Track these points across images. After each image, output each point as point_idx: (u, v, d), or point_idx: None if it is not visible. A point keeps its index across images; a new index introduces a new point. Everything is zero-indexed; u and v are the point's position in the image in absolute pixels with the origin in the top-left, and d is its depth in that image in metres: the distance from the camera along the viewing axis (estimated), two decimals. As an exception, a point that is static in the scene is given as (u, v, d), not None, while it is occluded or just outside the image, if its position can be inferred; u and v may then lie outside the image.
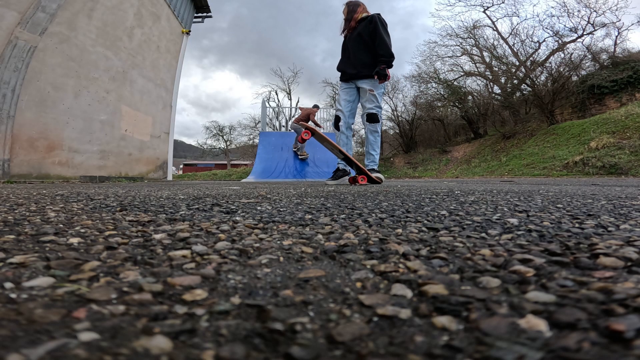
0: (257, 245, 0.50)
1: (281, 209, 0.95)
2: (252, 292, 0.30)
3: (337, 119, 3.28)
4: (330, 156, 7.82)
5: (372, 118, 3.10)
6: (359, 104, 3.28)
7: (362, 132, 16.24)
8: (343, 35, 3.32)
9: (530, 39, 17.35)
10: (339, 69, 3.35)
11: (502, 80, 16.90)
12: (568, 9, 16.30)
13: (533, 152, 11.68)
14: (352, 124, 3.35)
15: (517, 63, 16.26)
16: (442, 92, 17.88)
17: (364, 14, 3.20)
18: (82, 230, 0.60)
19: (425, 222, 0.71)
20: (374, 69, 3.01)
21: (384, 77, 2.94)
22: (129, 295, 0.29)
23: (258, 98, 29.07)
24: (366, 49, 3.09)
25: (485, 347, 0.20)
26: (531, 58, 15.96)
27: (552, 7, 24.86)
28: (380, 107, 3.13)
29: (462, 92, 17.21)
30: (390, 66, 2.98)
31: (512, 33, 16.90)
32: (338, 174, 3.22)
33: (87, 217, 0.78)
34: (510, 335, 0.21)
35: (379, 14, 3.12)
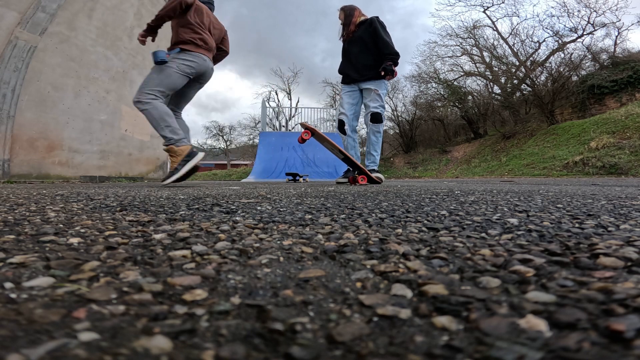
0: (257, 245, 0.50)
1: (281, 209, 0.95)
2: (252, 292, 0.30)
3: (341, 123, 3.25)
4: (330, 156, 7.82)
5: (375, 118, 3.11)
6: (362, 104, 3.29)
7: (362, 132, 16.23)
8: (342, 39, 3.33)
9: (530, 39, 17.41)
10: (340, 71, 3.35)
11: (502, 80, 16.90)
12: (568, 9, 16.36)
13: (533, 152, 11.68)
14: (357, 126, 3.35)
15: (517, 63, 16.26)
16: (442, 92, 17.89)
17: (362, 18, 3.23)
18: (82, 230, 0.60)
19: (425, 222, 0.71)
20: (377, 70, 3.03)
21: (391, 73, 2.95)
22: (129, 295, 0.29)
23: (258, 98, 29.09)
24: (368, 52, 3.11)
25: (485, 347, 0.20)
26: (531, 58, 15.97)
27: (552, 7, 24.88)
28: (383, 107, 3.15)
29: (462, 92, 17.21)
30: (397, 64, 2.99)
31: (512, 33, 16.93)
32: (349, 173, 3.23)
33: (87, 217, 0.78)
34: (510, 335, 0.21)
35: (377, 17, 3.15)
